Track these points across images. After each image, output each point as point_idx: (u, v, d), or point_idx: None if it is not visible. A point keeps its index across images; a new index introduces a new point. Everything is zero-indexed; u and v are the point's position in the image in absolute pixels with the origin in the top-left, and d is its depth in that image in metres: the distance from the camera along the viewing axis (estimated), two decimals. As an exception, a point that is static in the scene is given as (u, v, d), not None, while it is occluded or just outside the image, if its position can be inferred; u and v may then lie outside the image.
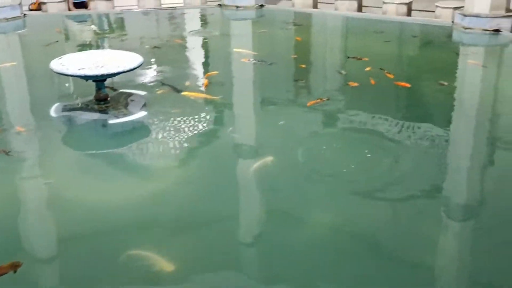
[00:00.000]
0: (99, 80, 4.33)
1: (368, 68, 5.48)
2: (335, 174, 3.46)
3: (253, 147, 4.07)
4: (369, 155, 3.70)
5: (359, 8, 8.58)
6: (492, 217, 3.04)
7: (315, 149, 3.86)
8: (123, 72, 4.32)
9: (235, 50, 6.53)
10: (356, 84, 5.07)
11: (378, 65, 5.56)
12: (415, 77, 5.54)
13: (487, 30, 6.64)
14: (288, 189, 3.34)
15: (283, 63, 6.15)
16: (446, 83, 5.11)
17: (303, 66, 5.93)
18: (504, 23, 6.63)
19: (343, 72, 5.68)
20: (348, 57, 6.28)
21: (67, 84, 4.95)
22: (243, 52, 6.30)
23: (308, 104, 4.60)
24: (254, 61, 5.94)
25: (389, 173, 3.49)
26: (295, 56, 6.52)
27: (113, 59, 4.39)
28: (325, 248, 2.75)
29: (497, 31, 6.61)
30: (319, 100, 4.65)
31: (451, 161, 3.72)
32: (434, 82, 5.20)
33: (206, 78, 5.52)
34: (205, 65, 6.33)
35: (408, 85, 5.02)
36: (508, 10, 6.76)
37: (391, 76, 5.23)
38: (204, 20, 9.10)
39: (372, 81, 5.10)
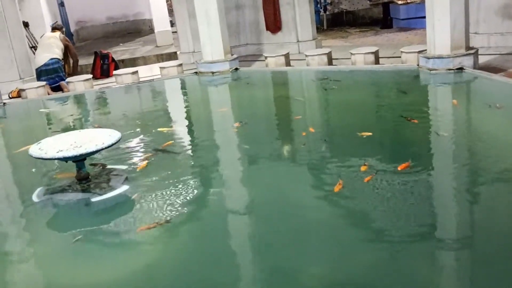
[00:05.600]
0: (79, 160, 4.46)
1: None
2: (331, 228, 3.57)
3: (245, 211, 4.12)
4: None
5: (330, 62, 8.89)
6: (485, 250, 3.13)
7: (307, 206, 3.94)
8: (102, 149, 4.46)
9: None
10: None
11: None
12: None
13: (451, 69, 6.91)
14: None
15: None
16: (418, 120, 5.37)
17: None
18: (466, 61, 6.91)
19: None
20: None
21: (47, 168, 5.08)
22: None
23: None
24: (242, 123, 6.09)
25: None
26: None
27: (91, 138, 4.53)
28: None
29: (460, 69, 6.87)
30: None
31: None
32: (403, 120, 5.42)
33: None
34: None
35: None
36: (468, 48, 7.05)
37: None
38: (184, 88, 9.40)
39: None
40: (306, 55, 9.01)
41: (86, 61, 11.87)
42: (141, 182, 4.55)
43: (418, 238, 3.32)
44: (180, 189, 4.33)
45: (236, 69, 9.29)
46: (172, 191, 4.31)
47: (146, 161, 5.08)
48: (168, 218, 3.86)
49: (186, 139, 6.08)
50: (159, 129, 6.14)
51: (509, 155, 4.42)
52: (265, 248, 3.45)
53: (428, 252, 3.20)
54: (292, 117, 6.66)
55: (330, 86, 7.71)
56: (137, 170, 4.83)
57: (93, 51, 11.52)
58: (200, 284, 3.13)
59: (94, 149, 4.39)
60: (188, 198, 4.18)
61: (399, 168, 4.14)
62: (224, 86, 9.06)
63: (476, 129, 5.38)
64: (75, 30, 17.01)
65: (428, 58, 7.11)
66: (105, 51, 11.31)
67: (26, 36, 10.90)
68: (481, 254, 3.14)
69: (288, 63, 9.37)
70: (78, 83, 9.41)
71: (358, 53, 8.38)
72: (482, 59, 7.46)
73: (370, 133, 5.08)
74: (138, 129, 6.35)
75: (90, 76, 9.80)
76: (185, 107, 8.12)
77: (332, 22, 14.73)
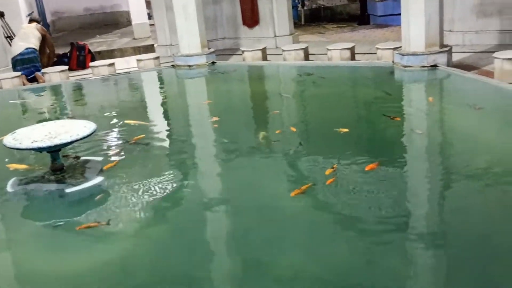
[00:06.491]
0: (53, 150, 4.44)
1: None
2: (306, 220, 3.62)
3: (219, 202, 4.14)
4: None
5: (306, 57, 8.95)
6: (454, 243, 3.23)
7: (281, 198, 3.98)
8: (77, 140, 4.44)
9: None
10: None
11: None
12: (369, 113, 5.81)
13: (425, 66, 7.02)
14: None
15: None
16: (397, 118, 5.44)
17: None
18: (440, 59, 7.02)
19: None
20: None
21: (22, 157, 5.04)
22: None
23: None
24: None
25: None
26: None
27: (66, 129, 4.52)
28: None
29: (434, 66, 7.00)
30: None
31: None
32: (383, 117, 5.50)
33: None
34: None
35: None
36: (442, 45, 7.18)
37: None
38: (161, 81, 9.37)
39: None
40: (283, 50, 9.05)
41: (62, 52, 11.71)
42: (116, 173, 4.56)
43: (390, 232, 3.40)
44: (154, 182, 4.34)
45: (213, 62, 9.29)
46: (147, 182, 4.32)
47: (121, 153, 5.08)
48: (140, 211, 3.89)
49: (160, 132, 6.07)
50: (133, 122, 6.12)
51: (481, 153, 4.53)
52: (240, 240, 3.49)
53: (400, 245, 3.29)
54: (269, 112, 6.71)
55: (306, 81, 7.77)
56: (112, 161, 4.82)
57: (69, 42, 11.39)
58: (175, 276, 3.16)
59: (69, 140, 4.38)
60: (162, 191, 4.19)
61: (366, 169, 4.18)
62: (200, 80, 9.06)
63: (450, 127, 5.48)
64: (51, 21, 16.77)
65: (403, 55, 7.22)
66: (82, 43, 11.19)
67: (2, 26, 10.73)
68: (451, 247, 3.24)
69: (265, 58, 9.40)
70: (54, 74, 9.31)
71: (334, 48, 8.45)
72: (456, 57, 7.60)
73: (347, 130, 5.13)
74: (113, 121, 6.33)
75: (66, 67, 9.69)
76: (161, 100, 8.11)
77: (310, 18, 14.80)
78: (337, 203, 3.80)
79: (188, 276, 3.15)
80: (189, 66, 9.23)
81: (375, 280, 2.93)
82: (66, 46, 11.56)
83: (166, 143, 5.67)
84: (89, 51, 11.06)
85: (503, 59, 6.31)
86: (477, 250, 3.13)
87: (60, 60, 10.70)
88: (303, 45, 9.13)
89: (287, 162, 4.71)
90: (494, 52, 6.71)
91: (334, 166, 4.25)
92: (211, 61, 9.28)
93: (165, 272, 3.19)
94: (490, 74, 6.66)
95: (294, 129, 5.50)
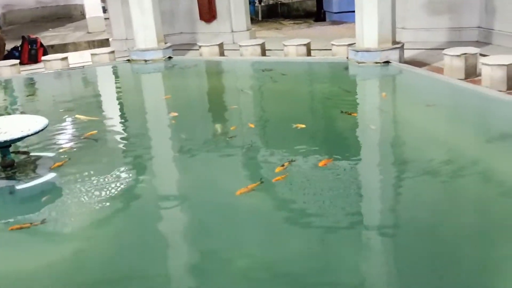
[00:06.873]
0: (3, 146, 4.33)
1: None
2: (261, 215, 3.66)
3: (171, 199, 4.14)
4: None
5: (263, 52, 8.99)
6: (406, 236, 3.33)
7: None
8: (28, 136, 4.35)
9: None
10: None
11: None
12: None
13: (378, 63, 7.17)
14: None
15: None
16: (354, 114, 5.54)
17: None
18: (392, 55, 7.19)
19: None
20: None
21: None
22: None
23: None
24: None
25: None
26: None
27: (17, 124, 4.41)
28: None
29: (387, 62, 7.15)
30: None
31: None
32: (340, 113, 5.60)
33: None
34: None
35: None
36: (394, 42, 7.35)
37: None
38: (116, 76, 9.24)
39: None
40: (240, 46, 9.06)
41: (13, 46, 11.38)
42: (67, 170, 4.48)
43: (343, 225, 3.47)
44: (105, 178, 4.28)
45: (170, 57, 9.22)
46: (98, 179, 4.27)
47: (73, 149, 5.00)
48: (90, 208, 3.84)
49: (114, 128, 6.00)
50: (87, 117, 6.02)
51: (432, 147, 4.66)
52: (197, 235, 3.50)
53: (353, 238, 3.36)
54: (227, 107, 6.71)
55: (265, 77, 7.81)
56: (63, 158, 4.73)
57: (20, 35, 11.08)
58: (131, 271, 3.14)
59: (20, 135, 4.29)
60: (112, 187, 4.14)
61: (320, 164, 4.24)
62: (157, 75, 8.98)
63: (402, 122, 5.62)
64: (1, 14, 16.30)
65: (357, 51, 7.35)
66: (34, 36, 10.91)
67: None
68: (401, 236, 3.34)
69: (222, 53, 9.39)
70: (4, 68, 9.03)
71: (290, 44, 8.53)
72: (408, 53, 7.78)
73: (304, 125, 5.18)
74: (65, 116, 6.21)
75: (17, 61, 9.42)
76: (116, 95, 8.00)
77: (267, 14, 14.88)
78: (289, 198, 3.85)
79: (144, 268, 3.14)
80: (145, 60, 9.14)
81: (330, 270, 3.00)
82: (17, 39, 11.24)
83: (120, 139, 5.59)
84: (41, 44, 10.79)
85: (452, 55, 6.50)
86: (425, 239, 3.25)
87: (10, 54, 10.41)
88: (260, 41, 9.17)
89: (242, 159, 4.73)
90: (444, 49, 6.91)
91: (285, 164, 4.28)
92: (167, 56, 9.20)
93: (117, 269, 3.17)
94: (440, 70, 6.86)
95: (252, 125, 5.53)
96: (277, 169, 4.19)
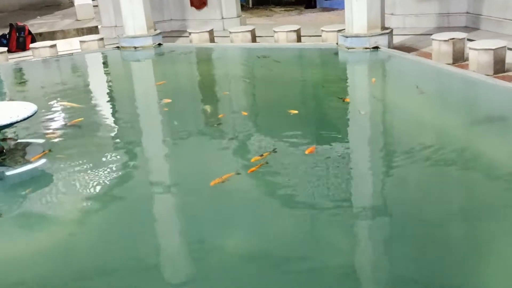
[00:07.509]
0: (-8, 133, 4.34)
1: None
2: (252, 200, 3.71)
3: (159, 186, 4.16)
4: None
5: (253, 39, 8.98)
6: (394, 218, 3.39)
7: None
8: (17, 122, 4.35)
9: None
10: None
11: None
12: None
13: (368, 48, 7.19)
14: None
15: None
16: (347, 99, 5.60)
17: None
18: (381, 40, 7.21)
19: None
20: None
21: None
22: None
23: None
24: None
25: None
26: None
27: (5, 111, 4.40)
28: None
29: (376, 48, 7.18)
30: None
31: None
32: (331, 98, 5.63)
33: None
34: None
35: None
36: (383, 28, 7.37)
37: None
38: (105, 63, 9.20)
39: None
40: (230, 32, 9.04)
41: (1, 34, 11.29)
42: (58, 155, 4.48)
43: (333, 209, 3.52)
44: (99, 164, 4.31)
45: (160, 44, 9.19)
46: (91, 164, 4.28)
47: (62, 136, 5.00)
48: (86, 193, 3.85)
49: (102, 114, 5.99)
50: (74, 104, 6.01)
51: (420, 131, 4.72)
52: (189, 220, 3.53)
53: (342, 221, 3.41)
54: (220, 94, 6.71)
55: (254, 62, 7.81)
56: (49, 147, 4.72)
57: (8, 23, 10.98)
58: (123, 257, 3.17)
59: (8, 121, 4.29)
60: (106, 173, 4.17)
61: (306, 152, 4.26)
62: (146, 62, 8.95)
63: (391, 106, 5.67)
64: (-12, 1, 16.10)
65: (346, 37, 7.37)
66: (21, 24, 10.81)
67: None
68: (392, 223, 3.39)
69: (212, 40, 9.36)
70: (-8, 56, 8.96)
71: (280, 31, 8.52)
72: (397, 39, 7.80)
73: (296, 111, 5.20)
74: (54, 103, 6.20)
75: (5, 49, 9.35)
76: (104, 82, 7.95)
77: (257, 1, 14.77)
78: (276, 184, 3.89)
79: (136, 254, 3.16)
80: (135, 47, 9.09)
81: (319, 250, 3.05)
82: (5, 27, 11.13)
83: (106, 126, 5.59)
84: (29, 32, 10.70)
85: (440, 40, 6.53)
86: (413, 221, 3.31)
87: (-2, 41, 10.33)
88: (250, 27, 9.15)
89: (233, 146, 4.74)
90: (432, 34, 6.94)
91: (264, 154, 4.27)
92: (157, 43, 9.16)
93: (112, 250, 3.20)
94: (428, 55, 6.90)
95: (245, 113, 5.56)
96: (253, 159, 4.21)
